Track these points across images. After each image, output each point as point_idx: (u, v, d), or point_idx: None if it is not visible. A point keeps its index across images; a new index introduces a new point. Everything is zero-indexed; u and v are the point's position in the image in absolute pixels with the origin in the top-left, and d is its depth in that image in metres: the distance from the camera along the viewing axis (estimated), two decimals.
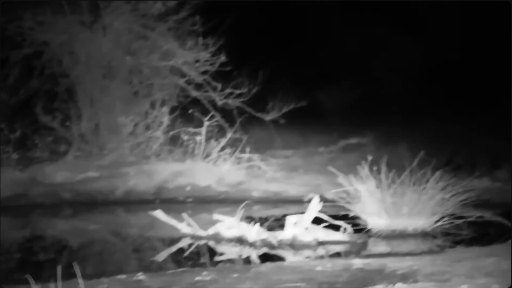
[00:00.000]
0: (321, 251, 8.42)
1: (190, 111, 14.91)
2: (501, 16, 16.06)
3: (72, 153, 14.22)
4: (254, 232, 8.57)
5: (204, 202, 12.17)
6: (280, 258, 8.10)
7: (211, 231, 8.88)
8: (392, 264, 6.42)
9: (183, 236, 9.01)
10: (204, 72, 14.64)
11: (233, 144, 14.28)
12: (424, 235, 8.88)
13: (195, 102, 15.02)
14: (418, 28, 24.86)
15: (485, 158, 16.14)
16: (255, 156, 14.27)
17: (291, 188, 12.91)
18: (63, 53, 14.53)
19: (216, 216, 9.09)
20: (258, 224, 8.72)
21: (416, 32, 24.80)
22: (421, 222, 8.87)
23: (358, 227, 8.90)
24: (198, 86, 14.79)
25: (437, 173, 8.92)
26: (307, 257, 8.21)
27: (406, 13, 24.41)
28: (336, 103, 27.59)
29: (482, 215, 9.00)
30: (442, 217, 8.87)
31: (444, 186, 8.89)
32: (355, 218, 9.05)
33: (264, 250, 8.46)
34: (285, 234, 8.52)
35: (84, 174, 13.10)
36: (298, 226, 8.54)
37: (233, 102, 14.61)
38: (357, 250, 8.45)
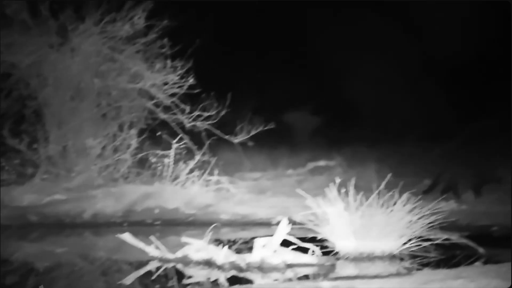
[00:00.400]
0: (289, 273, 8.41)
1: (159, 133, 14.88)
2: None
3: (39, 176, 14.12)
4: (223, 255, 8.55)
5: (172, 225, 12.12)
6: (248, 281, 8.08)
7: (179, 254, 8.84)
8: (360, 286, 6.46)
9: (151, 259, 8.96)
10: (173, 95, 14.64)
11: (201, 166, 14.27)
12: (391, 257, 8.91)
13: (164, 124, 15.01)
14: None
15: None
16: (224, 179, 14.27)
17: (259, 210, 12.91)
18: (31, 75, 14.46)
19: (184, 238, 9.06)
20: (226, 247, 8.71)
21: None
22: (389, 244, 8.90)
23: (327, 250, 8.92)
24: (167, 109, 14.79)
25: (405, 196, 8.98)
26: (276, 280, 8.20)
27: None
28: (304, 125, 27.75)
29: (449, 238, 9.07)
30: (410, 240, 8.91)
31: (412, 208, 8.94)
32: (323, 240, 9.06)
33: (233, 272, 8.43)
34: (254, 256, 8.51)
35: (51, 196, 12.99)
36: (267, 249, 8.54)
37: (201, 125, 14.61)
38: (325, 272, 8.46)
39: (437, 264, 8.66)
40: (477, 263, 8.47)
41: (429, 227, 8.94)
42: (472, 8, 21.26)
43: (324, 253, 8.79)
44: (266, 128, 14.91)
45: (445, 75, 27.10)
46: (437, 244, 8.97)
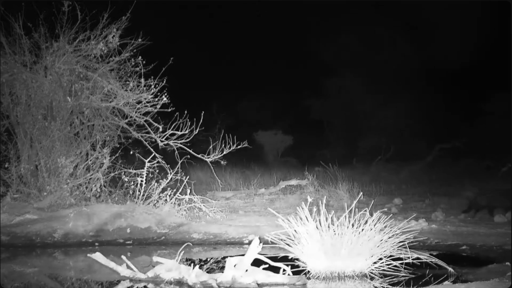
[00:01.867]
0: None
1: (131, 152, 14.90)
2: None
3: (10, 195, 14.04)
4: (194, 275, 8.57)
5: (144, 244, 12.10)
6: None
7: (150, 273, 8.84)
8: None
9: (122, 279, 8.96)
10: (146, 113, 14.66)
11: (174, 185, 14.28)
12: (362, 276, 8.98)
13: (137, 143, 15.04)
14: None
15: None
16: (196, 198, 14.28)
17: (231, 229, 12.93)
18: (3, 93, 14.43)
19: (155, 258, 9.07)
20: (197, 267, 8.73)
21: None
22: (360, 263, 8.97)
23: (298, 269, 8.97)
24: (140, 127, 14.81)
25: (376, 215, 9.07)
26: None
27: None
28: (276, 145, 27.93)
29: (418, 257, 9.17)
30: (380, 259, 8.99)
31: (382, 227, 9.04)
32: (294, 259, 9.12)
33: None
34: (225, 276, 8.54)
35: (22, 216, 12.91)
36: (238, 268, 8.58)
37: (174, 144, 14.64)
38: None
39: (407, 283, 8.75)
40: (446, 282, 8.56)
41: (399, 246, 9.04)
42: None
43: (295, 272, 8.84)
44: (238, 147, 14.96)
45: (421, 94, 27.44)
46: (407, 263, 9.05)
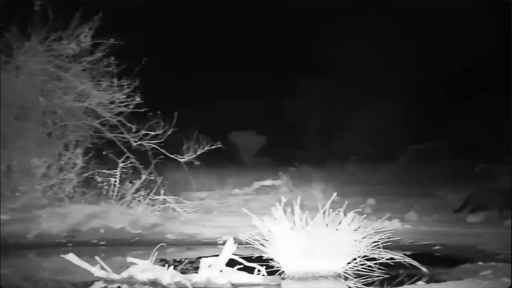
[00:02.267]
0: None
1: (104, 152, 14.80)
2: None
3: None
4: (168, 275, 8.53)
5: (118, 245, 12.03)
6: None
7: (124, 274, 8.78)
8: None
9: (96, 279, 8.89)
10: (119, 114, 14.58)
11: (147, 186, 14.24)
12: (336, 277, 8.99)
13: (110, 143, 14.93)
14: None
15: None
16: (170, 198, 14.25)
17: (206, 230, 12.92)
18: None
19: (129, 259, 9.01)
20: (172, 267, 8.69)
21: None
22: (334, 263, 8.98)
23: (272, 269, 8.96)
24: (113, 128, 14.73)
25: (350, 215, 9.08)
26: None
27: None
28: (250, 145, 27.89)
29: (392, 257, 9.20)
30: (354, 259, 9.01)
31: (356, 228, 9.06)
32: (269, 260, 9.11)
33: None
34: (200, 276, 8.51)
35: None
36: (213, 269, 8.55)
37: (148, 144, 14.57)
38: None
39: (381, 284, 8.78)
40: (419, 282, 8.59)
41: (373, 247, 9.06)
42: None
43: (270, 273, 8.83)
44: (212, 148, 14.93)
45: (399, 98, 27.56)
46: (381, 263, 9.08)
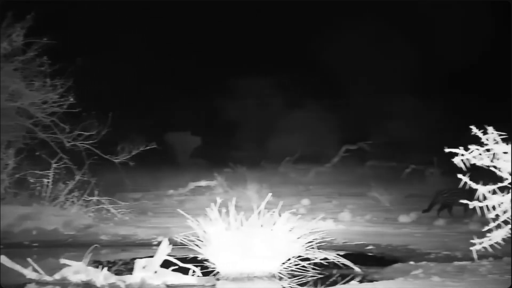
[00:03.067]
0: None
1: (37, 153, 14.57)
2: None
3: None
4: (102, 277, 8.48)
5: (51, 247, 11.88)
6: None
7: (57, 276, 8.69)
8: None
9: (28, 282, 8.77)
10: (52, 114, 14.37)
11: (81, 187, 14.09)
12: (271, 277, 9.06)
13: (43, 144, 14.71)
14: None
15: None
16: (104, 199, 14.13)
17: (140, 231, 12.87)
18: None
19: (63, 260, 8.91)
20: (106, 269, 8.64)
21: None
22: (269, 264, 9.05)
23: (207, 270, 8.98)
24: (46, 128, 14.50)
25: (284, 215, 9.15)
26: None
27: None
28: (185, 146, 27.85)
29: (326, 257, 9.30)
30: (289, 259, 9.08)
31: (291, 228, 9.13)
32: (204, 261, 9.12)
33: None
34: (134, 278, 8.48)
35: None
36: (147, 270, 8.53)
37: (81, 144, 14.41)
38: None
39: (315, 284, 8.87)
40: (353, 282, 8.71)
41: (307, 247, 9.15)
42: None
43: (205, 274, 8.84)
44: (147, 148, 14.86)
45: (333, 99, 27.82)
46: (315, 263, 9.17)
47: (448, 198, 14.17)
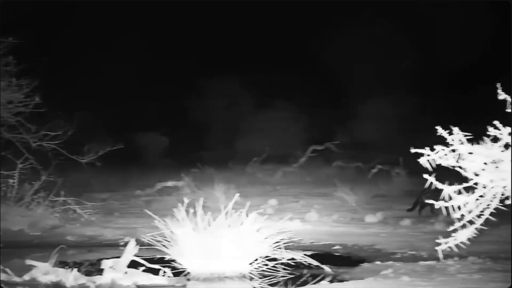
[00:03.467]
0: None
1: (3, 153, 14.45)
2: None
3: None
4: (72, 278, 8.44)
5: (16, 247, 11.77)
6: None
7: (26, 277, 8.64)
8: None
9: None
10: (18, 114, 14.25)
11: (47, 187, 14.00)
12: (241, 277, 9.07)
13: (8, 144, 14.59)
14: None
15: None
16: (71, 200, 14.05)
17: (107, 232, 12.83)
18: None
19: (28, 261, 8.86)
20: (76, 270, 8.61)
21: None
22: (239, 264, 9.06)
23: (178, 270, 8.98)
24: (11, 128, 14.38)
25: (252, 216, 9.18)
26: None
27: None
28: (153, 146, 27.76)
29: (294, 257, 9.35)
30: (257, 259, 9.11)
31: (259, 228, 9.16)
32: (171, 261, 9.12)
33: None
34: (104, 278, 8.46)
35: None
36: (116, 270, 8.50)
37: (47, 144, 14.31)
38: None
39: (285, 284, 8.91)
40: (323, 282, 8.76)
41: (275, 247, 9.18)
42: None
43: (176, 274, 8.84)
44: (114, 148, 14.81)
45: (300, 100, 27.92)
46: (285, 264, 9.20)
47: (430, 197, 14.29)
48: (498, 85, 5.45)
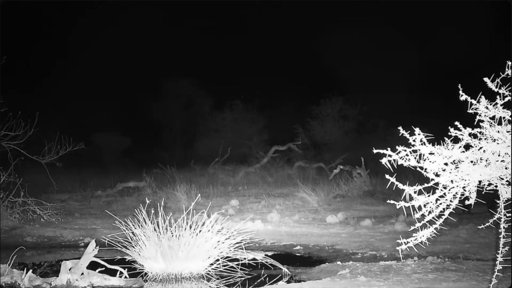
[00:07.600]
0: None
1: None
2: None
3: None
4: (27, 279, 8.35)
5: None
6: None
7: None
8: None
9: None
10: None
11: (6, 188, 13.85)
12: (199, 278, 9.06)
13: None
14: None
15: None
16: (30, 201, 13.91)
17: (66, 232, 12.72)
18: None
19: None
20: (31, 271, 8.51)
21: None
22: (197, 265, 9.05)
23: (135, 271, 8.93)
24: None
25: (213, 216, 9.19)
26: None
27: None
28: (114, 146, 27.64)
29: (255, 257, 9.36)
30: (217, 260, 9.11)
31: (220, 229, 9.17)
32: (132, 262, 9.08)
33: None
34: (60, 280, 8.38)
35: None
36: (74, 272, 8.43)
37: (7, 145, 14.17)
38: None
39: (243, 284, 8.91)
40: (280, 282, 8.78)
41: (236, 247, 9.19)
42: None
43: (133, 275, 8.79)
44: (75, 149, 14.70)
45: (262, 101, 28.00)
46: (243, 264, 9.21)
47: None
48: (459, 85, 5.50)
